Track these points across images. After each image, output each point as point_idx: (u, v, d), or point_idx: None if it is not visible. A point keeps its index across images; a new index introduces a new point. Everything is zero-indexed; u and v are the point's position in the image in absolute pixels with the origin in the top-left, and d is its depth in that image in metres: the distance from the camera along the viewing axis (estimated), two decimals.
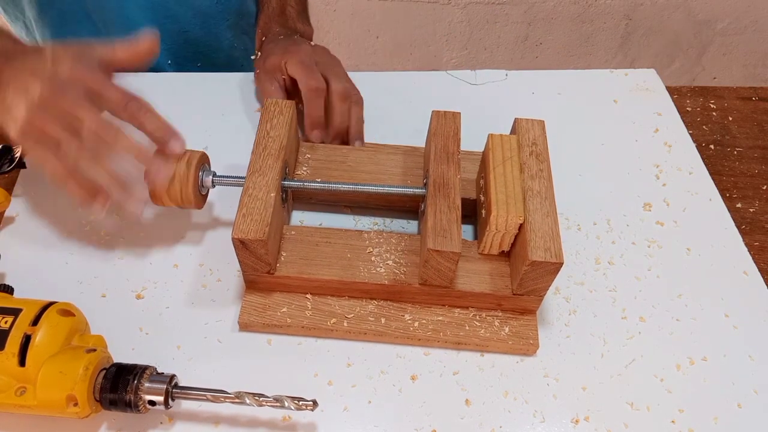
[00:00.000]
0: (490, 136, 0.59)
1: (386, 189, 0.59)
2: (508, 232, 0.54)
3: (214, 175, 0.58)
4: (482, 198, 0.58)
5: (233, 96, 0.77)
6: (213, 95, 0.77)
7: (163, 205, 0.57)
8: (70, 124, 0.50)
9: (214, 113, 0.75)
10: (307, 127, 0.67)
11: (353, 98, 0.68)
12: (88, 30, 0.80)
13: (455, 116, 0.61)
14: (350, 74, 0.72)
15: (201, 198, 0.59)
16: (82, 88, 0.51)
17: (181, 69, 0.87)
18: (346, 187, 0.59)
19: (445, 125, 0.60)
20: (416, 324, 0.56)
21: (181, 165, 0.55)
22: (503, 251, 0.57)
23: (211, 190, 0.60)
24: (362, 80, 0.72)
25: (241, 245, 0.52)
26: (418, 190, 0.59)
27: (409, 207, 0.65)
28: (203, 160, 0.58)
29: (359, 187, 0.59)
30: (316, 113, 0.66)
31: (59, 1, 0.77)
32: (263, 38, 0.77)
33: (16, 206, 0.64)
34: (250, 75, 0.78)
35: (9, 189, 0.65)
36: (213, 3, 0.83)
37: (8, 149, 0.64)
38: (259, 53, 0.75)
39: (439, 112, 0.61)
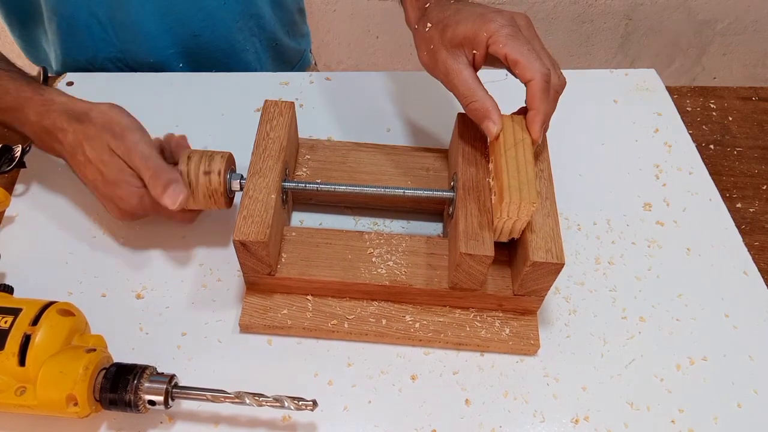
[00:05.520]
0: (501, 117, 0.55)
1: (414, 192, 0.58)
2: (520, 219, 0.52)
3: (242, 178, 0.57)
4: (491, 182, 0.56)
5: (233, 96, 0.77)
6: (213, 95, 0.77)
7: (193, 208, 0.58)
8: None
9: (214, 113, 0.75)
10: (537, 130, 0.53)
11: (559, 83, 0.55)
12: (98, 35, 0.79)
13: None
14: (350, 74, 0.72)
15: (229, 200, 0.59)
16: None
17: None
18: (371, 191, 0.58)
19: (471, 127, 0.60)
20: (417, 325, 0.56)
21: (214, 167, 0.55)
22: (505, 251, 0.57)
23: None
24: (362, 80, 0.71)
25: (242, 247, 0.52)
26: (446, 193, 0.58)
27: (410, 208, 0.65)
28: (231, 163, 0.58)
29: (386, 191, 0.58)
30: (551, 109, 0.53)
31: (65, 6, 0.77)
32: (427, 4, 0.60)
33: (16, 206, 0.64)
34: (250, 75, 0.77)
35: (9, 189, 0.65)
36: (220, 3, 0.82)
37: (8, 149, 0.64)
38: (427, 23, 0.58)
39: (464, 114, 0.61)
